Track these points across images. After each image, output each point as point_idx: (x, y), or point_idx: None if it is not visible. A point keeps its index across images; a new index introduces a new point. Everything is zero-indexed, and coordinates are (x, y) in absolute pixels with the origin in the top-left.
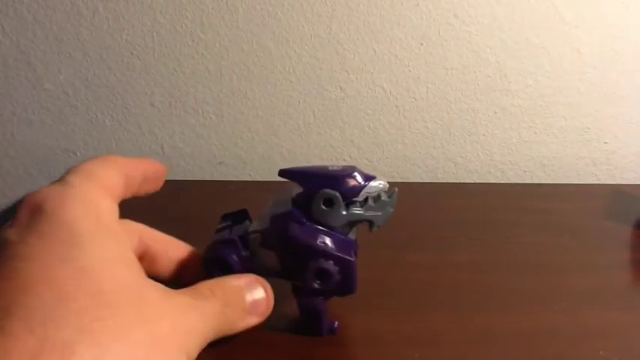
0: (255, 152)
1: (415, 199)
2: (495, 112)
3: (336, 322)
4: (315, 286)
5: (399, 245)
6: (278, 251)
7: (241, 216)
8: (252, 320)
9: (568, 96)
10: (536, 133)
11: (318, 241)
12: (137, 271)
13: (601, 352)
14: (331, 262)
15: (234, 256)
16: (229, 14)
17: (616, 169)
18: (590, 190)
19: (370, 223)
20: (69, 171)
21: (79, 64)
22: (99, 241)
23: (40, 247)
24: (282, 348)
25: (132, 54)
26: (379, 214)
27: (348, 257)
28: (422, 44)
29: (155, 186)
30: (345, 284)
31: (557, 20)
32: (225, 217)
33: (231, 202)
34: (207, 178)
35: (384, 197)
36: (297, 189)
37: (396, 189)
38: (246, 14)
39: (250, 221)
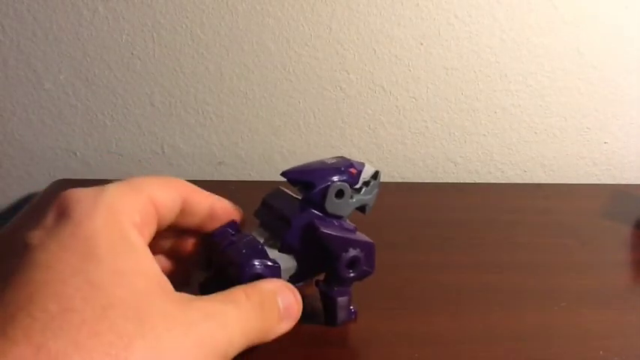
0: (255, 152)
1: (415, 199)
2: (495, 112)
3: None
4: (350, 275)
5: (399, 245)
6: (299, 253)
7: (232, 228)
8: (287, 325)
9: (568, 96)
10: (536, 133)
11: (343, 233)
12: (155, 282)
13: (601, 352)
14: (358, 249)
15: (266, 268)
16: (229, 14)
17: (616, 169)
18: (590, 190)
19: (364, 206)
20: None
21: (79, 64)
22: (115, 252)
23: (59, 259)
24: (283, 348)
25: (132, 54)
26: (371, 196)
27: (369, 240)
28: (422, 44)
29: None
30: (369, 266)
31: (557, 20)
32: (216, 235)
33: (231, 202)
34: (207, 178)
35: (372, 180)
36: (287, 191)
37: (379, 171)
38: (246, 14)
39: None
